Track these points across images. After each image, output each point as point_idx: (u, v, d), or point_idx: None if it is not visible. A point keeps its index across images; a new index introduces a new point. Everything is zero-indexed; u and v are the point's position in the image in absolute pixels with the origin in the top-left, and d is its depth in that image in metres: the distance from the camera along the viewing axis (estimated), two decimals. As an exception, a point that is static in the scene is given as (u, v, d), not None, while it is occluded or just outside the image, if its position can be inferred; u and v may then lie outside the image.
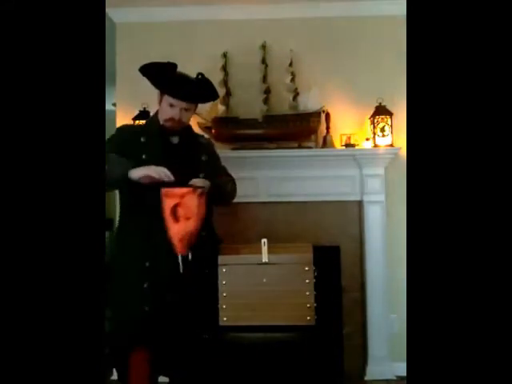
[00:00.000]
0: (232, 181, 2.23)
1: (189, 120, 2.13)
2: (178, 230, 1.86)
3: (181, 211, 1.86)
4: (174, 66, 2.01)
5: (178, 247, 1.88)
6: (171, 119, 2.02)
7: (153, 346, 1.96)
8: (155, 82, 2.05)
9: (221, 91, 2.97)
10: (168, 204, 1.86)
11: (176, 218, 1.87)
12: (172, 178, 1.88)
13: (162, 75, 2.03)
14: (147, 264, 1.94)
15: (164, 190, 1.87)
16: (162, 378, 2.11)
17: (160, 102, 2.07)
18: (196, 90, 2.05)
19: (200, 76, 2.04)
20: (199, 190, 1.88)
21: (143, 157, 1.97)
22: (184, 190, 1.87)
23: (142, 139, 2.02)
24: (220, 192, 2.09)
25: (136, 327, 1.94)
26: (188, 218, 1.86)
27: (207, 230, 2.08)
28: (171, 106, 2.01)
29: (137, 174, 1.87)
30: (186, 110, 2.05)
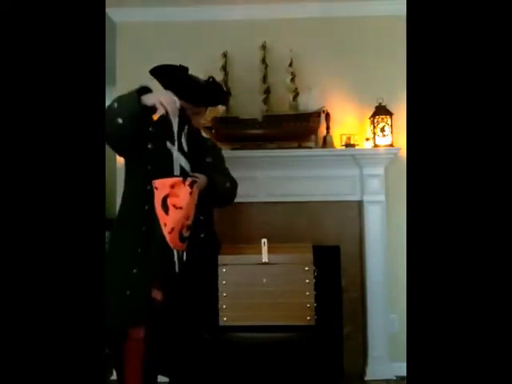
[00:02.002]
0: (231, 181, 2.18)
1: (197, 123, 2.12)
2: (168, 221, 1.80)
3: (171, 201, 1.80)
4: (186, 69, 2.01)
5: (169, 240, 1.82)
6: None
7: (146, 340, 1.94)
8: (167, 85, 2.03)
9: (221, 91, 2.98)
10: (158, 196, 1.81)
11: (166, 210, 1.80)
12: (178, 103, 1.83)
13: (173, 78, 2.02)
14: (139, 250, 1.93)
15: (155, 182, 1.82)
16: (161, 378, 2.11)
17: None
18: (207, 94, 2.04)
19: (211, 79, 2.04)
20: (189, 179, 1.82)
21: (149, 146, 1.96)
22: (174, 179, 1.82)
23: (151, 129, 2.01)
24: (216, 189, 2.03)
25: (118, 312, 1.91)
26: (178, 208, 1.80)
27: (206, 231, 2.08)
28: None
29: (150, 100, 1.80)
30: (197, 113, 2.05)
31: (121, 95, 1.87)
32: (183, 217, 1.81)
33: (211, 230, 2.14)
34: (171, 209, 1.79)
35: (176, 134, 1.89)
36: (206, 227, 2.09)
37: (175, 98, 1.83)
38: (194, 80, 2.03)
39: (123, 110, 1.80)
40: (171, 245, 1.83)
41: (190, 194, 1.81)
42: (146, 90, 1.85)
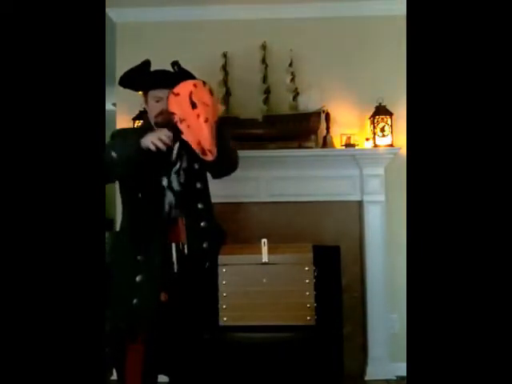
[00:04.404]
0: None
1: None
2: (201, 113, 1.84)
3: (195, 97, 1.84)
4: (148, 62, 2.04)
5: (206, 130, 1.84)
6: (160, 112, 2.01)
7: (147, 340, 1.95)
8: (136, 87, 2.09)
9: (221, 91, 2.98)
10: (184, 93, 1.85)
11: (193, 104, 1.84)
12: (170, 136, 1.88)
13: (139, 77, 2.06)
14: (139, 258, 1.94)
15: (175, 89, 1.87)
16: (162, 378, 2.11)
17: (147, 103, 2.09)
18: (175, 78, 2.06)
19: (176, 66, 2.07)
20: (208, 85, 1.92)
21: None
22: (193, 80, 1.93)
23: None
24: (226, 150, 2.02)
25: (124, 321, 1.93)
26: (207, 105, 1.85)
27: (207, 220, 2.08)
28: (157, 101, 2.03)
29: (147, 141, 1.85)
30: None
31: (118, 145, 1.90)
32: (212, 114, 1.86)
33: (212, 219, 2.14)
34: (200, 105, 1.84)
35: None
36: (206, 216, 2.08)
37: (167, 133, 1.87)
38: (158, 70, 2.07)
39: (122, 161, 1.84)
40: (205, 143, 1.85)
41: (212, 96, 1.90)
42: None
